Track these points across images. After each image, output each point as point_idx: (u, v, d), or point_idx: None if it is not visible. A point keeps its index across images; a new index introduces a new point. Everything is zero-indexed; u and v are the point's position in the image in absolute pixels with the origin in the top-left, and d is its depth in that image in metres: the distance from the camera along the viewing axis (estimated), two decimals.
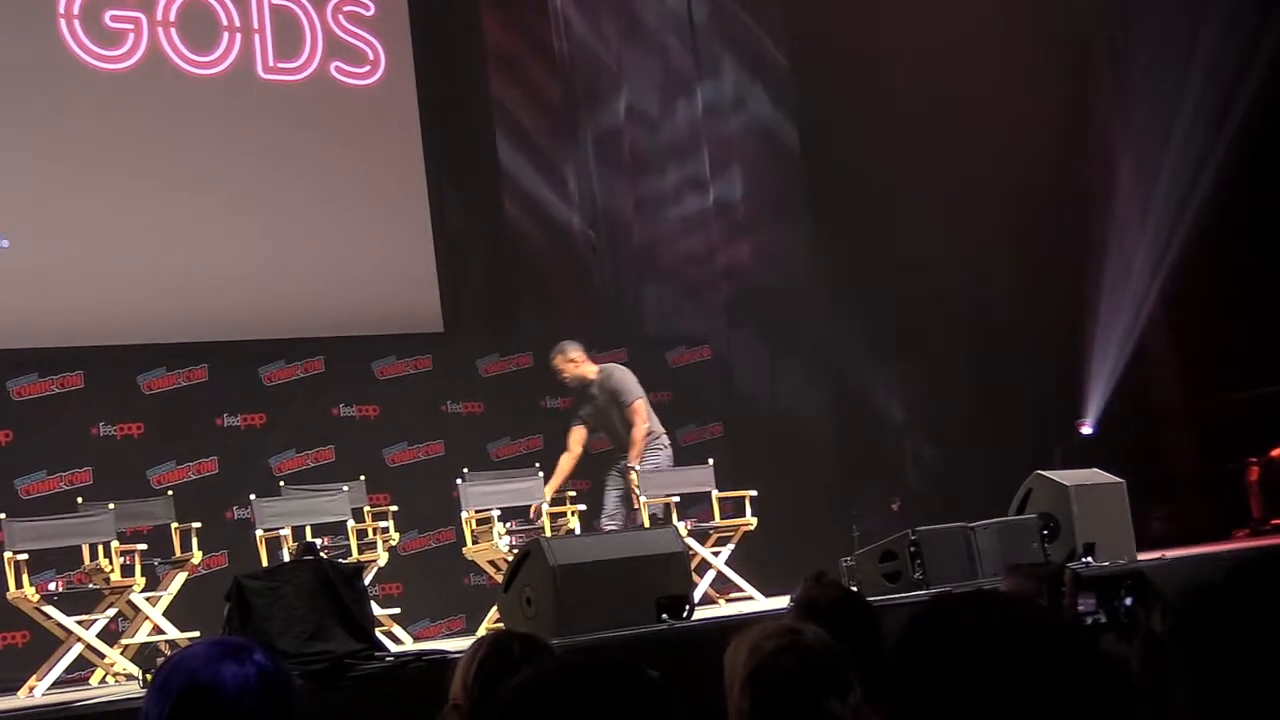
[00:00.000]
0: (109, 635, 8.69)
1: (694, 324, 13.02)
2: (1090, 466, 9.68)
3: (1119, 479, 9.36)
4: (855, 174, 12.73)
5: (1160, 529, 11.08)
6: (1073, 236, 12.30)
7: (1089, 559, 8.24)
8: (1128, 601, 3.20)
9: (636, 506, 9.67)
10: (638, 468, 9.80)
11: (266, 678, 2.20)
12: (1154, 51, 12.01)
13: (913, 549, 8.04)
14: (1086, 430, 12.39)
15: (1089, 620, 3.16)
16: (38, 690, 8.18)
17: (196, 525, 9.17)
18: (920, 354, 12.85)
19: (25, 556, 8.34)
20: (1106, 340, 12.31)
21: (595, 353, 11.96)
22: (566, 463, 10.09)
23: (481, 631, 8.55)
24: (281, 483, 10.01)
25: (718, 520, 10.04)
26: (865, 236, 12.82)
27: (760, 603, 9.30)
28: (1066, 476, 9.16)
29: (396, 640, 8.90)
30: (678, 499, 9.87)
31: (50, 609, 8.38)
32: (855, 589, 7.40)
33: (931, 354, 12.82)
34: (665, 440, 10.15)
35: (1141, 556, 8.62)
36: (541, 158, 12.96)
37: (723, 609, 9.41)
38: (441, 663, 5.62)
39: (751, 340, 13.30)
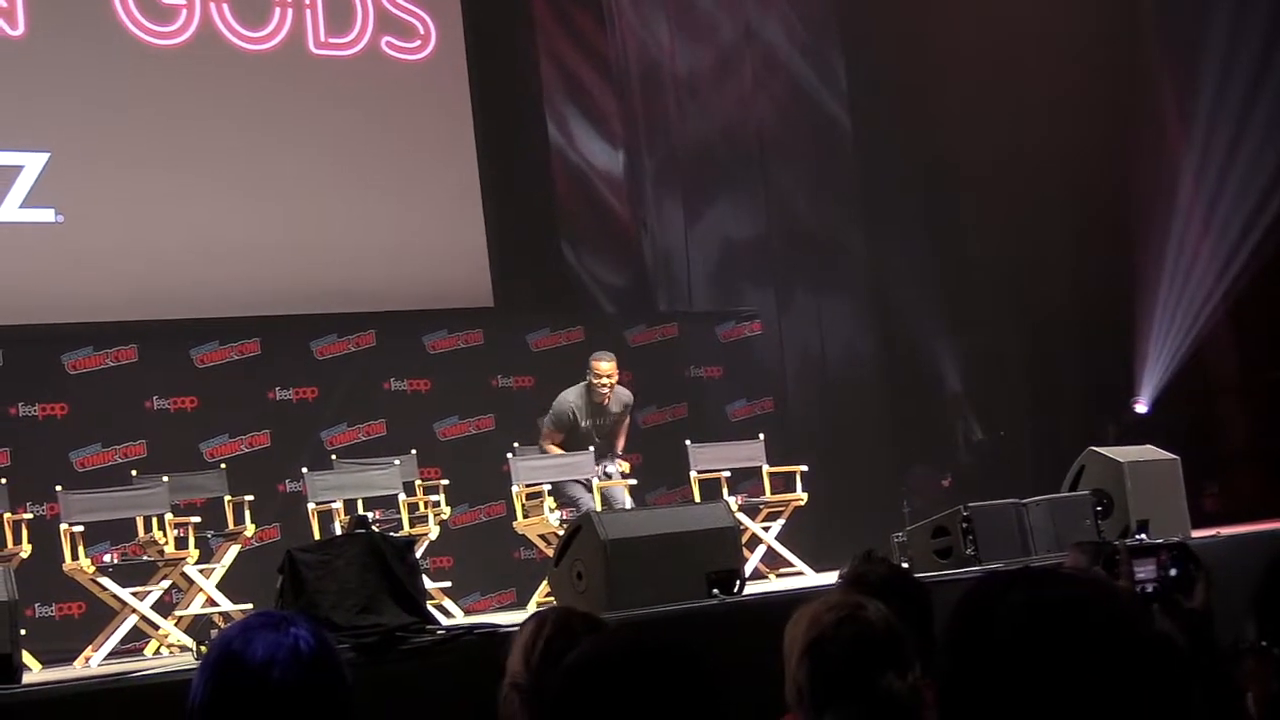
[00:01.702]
0: (163, 607, 8.77)
1: (745, 299, 12.98)
2: (1144, 444, 9.58)
3: (1173, 456, 9.25)
4: (907, 155, 12.65)
5: (1215, 506, 10.97)
6: (1131, 217, 12.17)
7: (1142, 536, 8.16)
8: (1172, 572, 3.18)
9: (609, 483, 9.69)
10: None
11: (301, 648, 2.19)
12: (1223, 32, 11.78)
13: (965, 525, 7.99)
14: (1141, 409, 12.28)
15: (1147, 589, 3.15)
16: (93, 661, 8.28)
17: (249, 498, 9.24)
18: (973, 331, 12.77)
19: (81, 528, 8.43)
20: (1163, 320, 12.17)
21: (645, 328, 12.04)
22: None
23: (533, 606, 8.58)
24: (333, 456, 10.06)
25: (768, 495, 10.05)
26: (919, 214, 12.73)
27: (811, 578, 9.29)
28: (1120, 453, 9.05)
29: (447, 613, 8.93)
30: (728, 474, 9.87)
31: (105, 580, 8.48)
32: (906, 565, 7.40)
33: (985, 331, 12.74)
34: None
35: (1195, 534, 8.53)
36: (592, 133, 12.93)
37: (773, 584, 9.41)
38: (493, 636, 5.63)
39: (802, 315, 13.24)
